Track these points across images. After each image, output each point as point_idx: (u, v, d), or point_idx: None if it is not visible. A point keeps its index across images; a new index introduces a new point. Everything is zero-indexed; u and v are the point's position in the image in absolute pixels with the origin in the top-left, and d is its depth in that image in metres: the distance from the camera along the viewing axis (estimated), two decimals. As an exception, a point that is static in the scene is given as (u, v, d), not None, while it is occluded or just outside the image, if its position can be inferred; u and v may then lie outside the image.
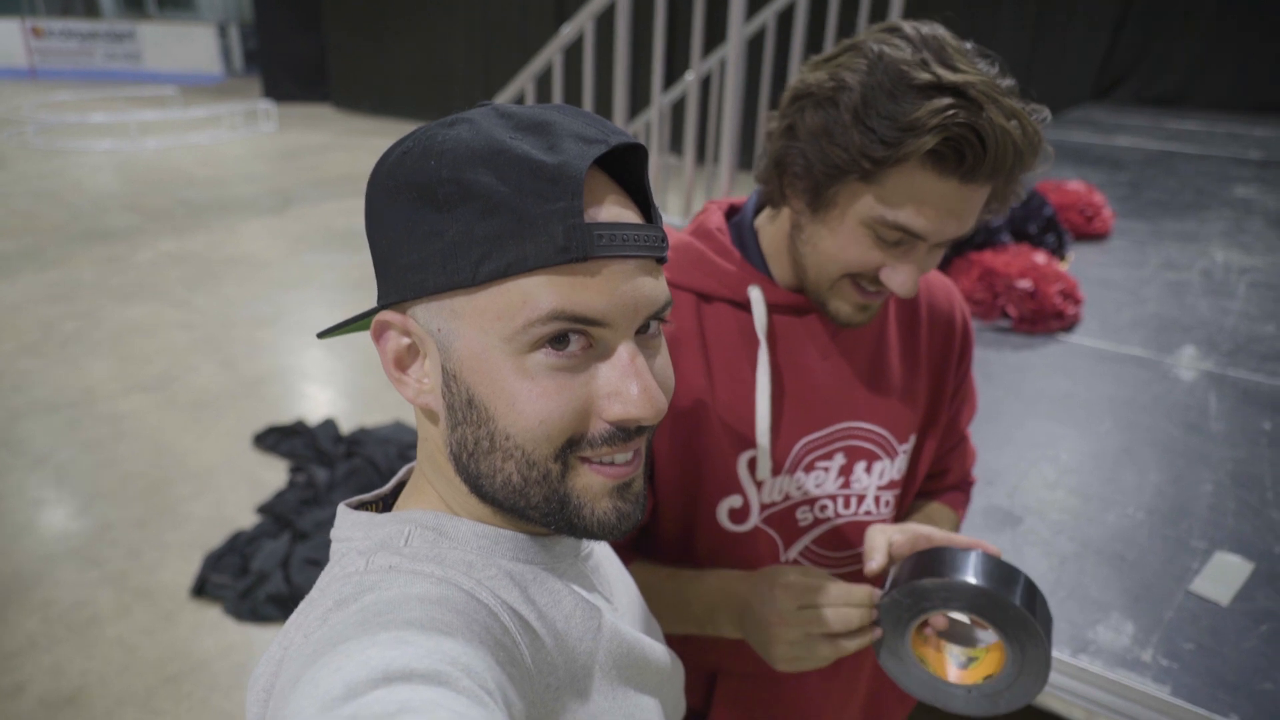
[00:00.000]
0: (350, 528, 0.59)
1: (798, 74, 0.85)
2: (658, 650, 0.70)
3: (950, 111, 0.72)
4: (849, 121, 0.77)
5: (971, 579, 0.74)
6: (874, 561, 0.82)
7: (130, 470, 3.26)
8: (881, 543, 0.83)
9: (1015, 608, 0.73)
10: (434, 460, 0.60)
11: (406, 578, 0.53)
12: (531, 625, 0.56)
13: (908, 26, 0.79)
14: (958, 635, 0.82)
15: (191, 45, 14.44)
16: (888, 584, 0.81)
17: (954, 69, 0.74)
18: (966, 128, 0.73)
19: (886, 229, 0.80)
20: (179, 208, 6.93)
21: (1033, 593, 0.75)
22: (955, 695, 0.80)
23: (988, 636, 0.80)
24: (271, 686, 0.49)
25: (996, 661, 0.78)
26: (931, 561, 0.78)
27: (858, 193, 0.80)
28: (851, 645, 0.79)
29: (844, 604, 0.79)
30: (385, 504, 0.65)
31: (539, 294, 0.50)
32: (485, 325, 0.51)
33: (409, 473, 0.66)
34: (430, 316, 0.54)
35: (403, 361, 0.57)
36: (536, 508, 0.55)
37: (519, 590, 0.57)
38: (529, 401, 0.52)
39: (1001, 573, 0.75)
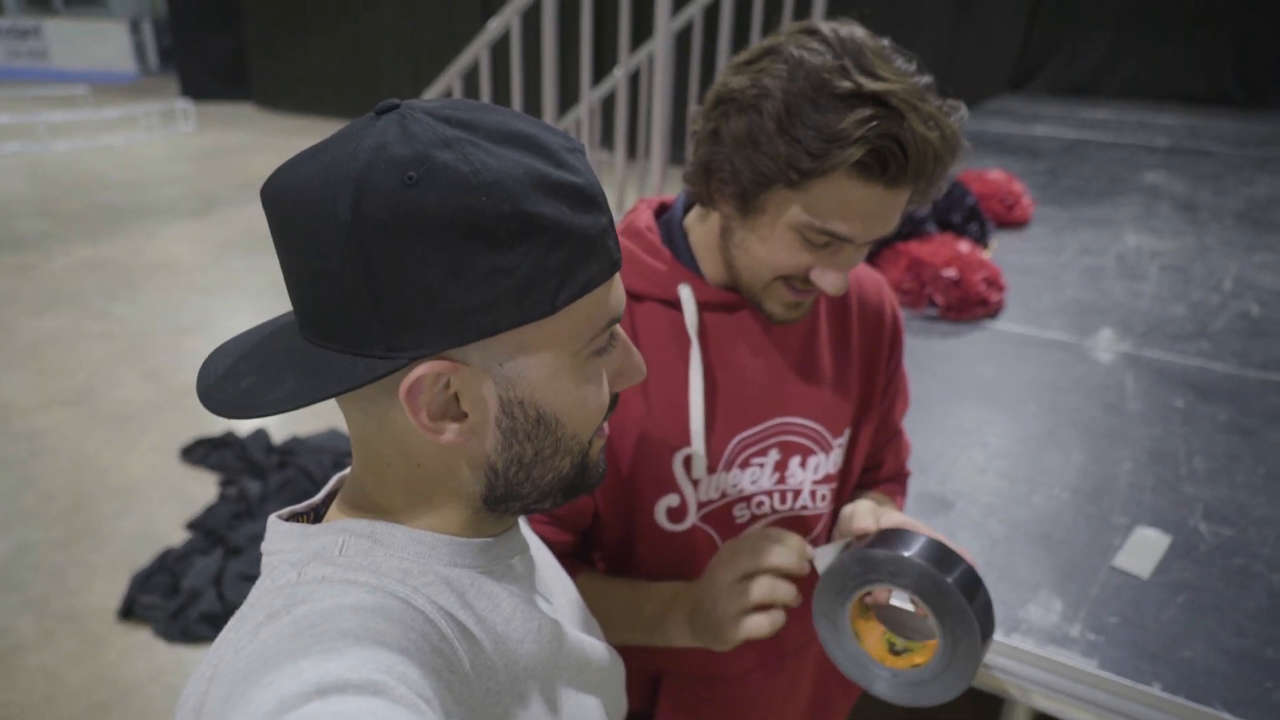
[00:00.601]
0: (282, 539, 0.58)
1: (720, 76, 0.85)
2: (598, 649, 0.71)
3: (874, 123, 0.74)
4: (773, 130, 0.78)
5: (920, 559, 0.76)
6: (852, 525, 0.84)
7: (50, 489, 3.13)
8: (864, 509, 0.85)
9: (955, 596, 0.75)
10: (390, 475, 0.57)
11: (340, 587, 0.52)
12: (470, 630, 0.56)
13: (825, 28, 0.80)
14: (898, 624, 0.84)
15: (102, 42, 13.87)
16: (837, 548, 0.83)
17: (874, 75, 0.76)
18: (890, 139, 0.74)
19: (815, 234, 0.82)
20: (94, 213, 6.66)
21: (975, 587, 0.77)
22: (880, 677, 0.82)
23: (926, 631, 0.82)
24: (201, 706, 0.48)
25: (927, 653, 0.80)
26: (886, 536, 0.80)
27: (785, 200, 0.81)
28: (790, 596, 0.82)
29: (780, 560, 0.82)
30: (317, 514, 0.64)
31: (600, 307, 0.55)
32: (558, 347, 0.54)
33: (340, 482, 0.64)
34: (490, 355, 0.52)
35: (445, 411, 0.53)
36: (558, 493, 0.60)
37: (456, 595, 0.57)
38: (594, 400, 0.58)
39: (950, 560, 0.77)
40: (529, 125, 0.52)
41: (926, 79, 0.80)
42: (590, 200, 0.52)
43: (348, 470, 0.63)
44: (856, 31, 0.80)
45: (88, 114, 9.94)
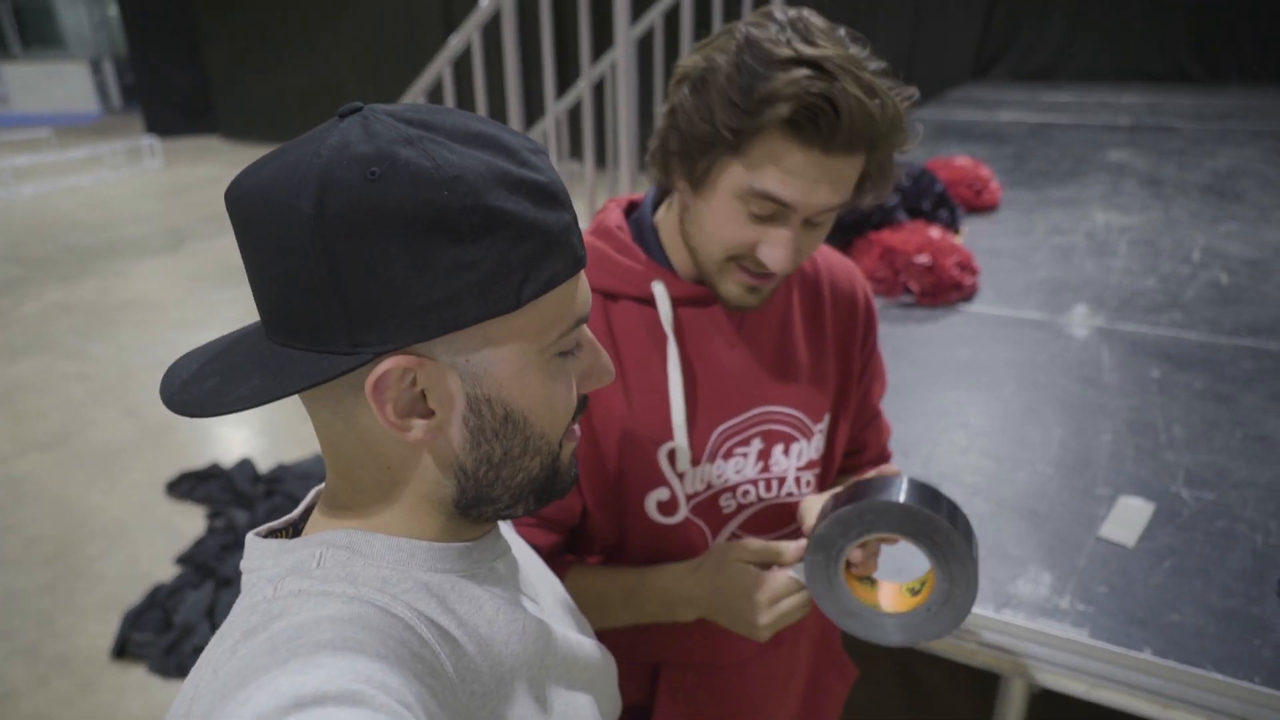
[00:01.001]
0: (260, 556, 0.57)
1: (681, 59, 0.88)
2: (587, 646, 0.71)
3: (804, 82, 0.76)
4: (714, 98, 0.80)
5: (888, 497, 0.78)
6: (807, 524, 0.87)
7: (34, 534, 3.09)
8: (815, 506, 0.88)
9: (934, 519, 0.77)
10: (362, 479, 0.57)
11: (316, 600, 0.51)
12: (451, 634, 0.56)
13: (778, 11, 0.82)
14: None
15: (63, 83, 13.79)
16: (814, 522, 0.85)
17: (814, 44, 0.78)
18: (819, 97, 0.76)
19: (755, 199, 0.83)
20: (64, 254, 6.60)
21: (954, 510, 0.80)
22: (887, 625, 0.84)
23: (921, 567, 0.84)
24: None
25: (928, 588, 0.82)
26: (852, 492, 0.82)
27: (727, 166, 0.83)
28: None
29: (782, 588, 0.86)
30: (296, 530, 0.64)
31: (568, 304, 0.55)
32: (524, 342, 0.54)
33: (317, 496, 0.64)
34: (455, 350, 0.52)
35: (412, 408, 0.53)
36: (530, 496, 0.60)
37: (437, 600, 0.56)
38: (560, 400, 0.58)
39: (921, 493, 0.79)
40: (491, 127, 0.53)
41: (879, 64, 0.81)
42: (553, 197, 0.52)
43: (322, 486, 0.63)
44: (810, 15, 0.82)
45: (52, 156, 9.86)
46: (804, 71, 0.76)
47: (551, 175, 0.53)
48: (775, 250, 0.85)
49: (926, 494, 0.80)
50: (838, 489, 0.87)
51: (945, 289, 2.34)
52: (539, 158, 0.53)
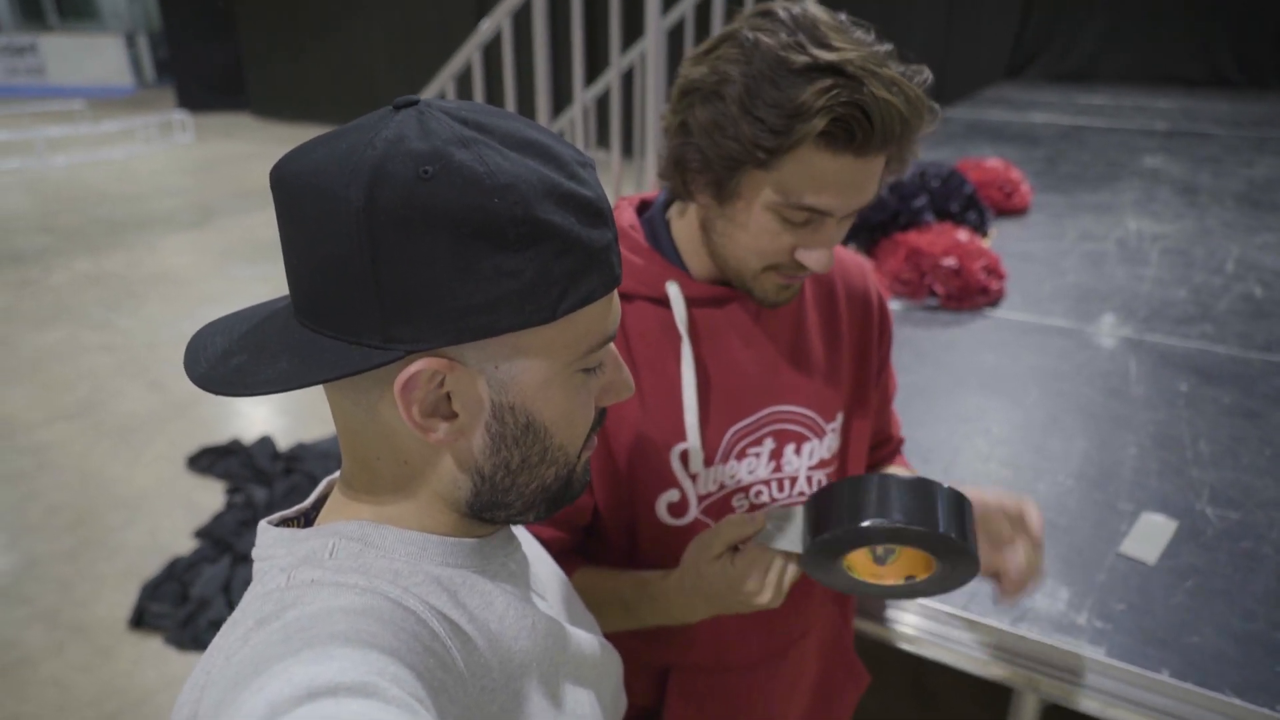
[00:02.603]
0: (272, 545, 0.58)
1: (681, 69, 0.86)
2: (594, 644, 0.71)
3: (833, 91, 0.74)
4: (737, 113, 0.78)
5: (930, 528, 0.75)
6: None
7: (56, 502, 3.14)
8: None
9: (964, 548, 0.76)
10: (379, 471, 0.57)
11: (330, 590, 0.52)
12: (462, 629, 0.56)
13: (779, 9, 0.80)
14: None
15: (98, 57, 13.89)
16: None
17: (829, 47, 0.76)
18: (851, 105, 0.74)
19: (792, 211, 0.82)
20: (94, 226, 6.68)
21: (959, 515, 0.77)
22: (889, 590, 0.84)
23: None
24: (195, 714, 0.48)
25: (920, 560, 0.82)
26: (883, 501, 0.78)
27: (758, 181, 0.81)
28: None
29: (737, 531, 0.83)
30: (308, 519, 0.64)
31: (599, 321, 0.55)
32: (553, 355, 0.54)
33: (330, 486, 0.65)
34: (486, 356, 0.52)
35: (435, 409, 0.53)
36: (542, 504, 0.60)
37: (448, 595, 0.57)
38: (580, 414, 0.58)
39: (960, 522, 0.77)
40: (543, 135, 0.53)
41: (886, 46, 0.80)
42: (598, 214, 0.53)
43: (336, 475, 0.63)
44: (811, 8, 0.80)
45: (85, 128, 9.96)
46: (828, 80, 0.74)
47: (598, 191, 0.54)
48: (816, 254, 0.84)
49: (961, 521, 0.77)
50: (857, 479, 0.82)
51: (971, 293, 2.31)
52: (587, 171, 0.54)
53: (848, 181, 0.80)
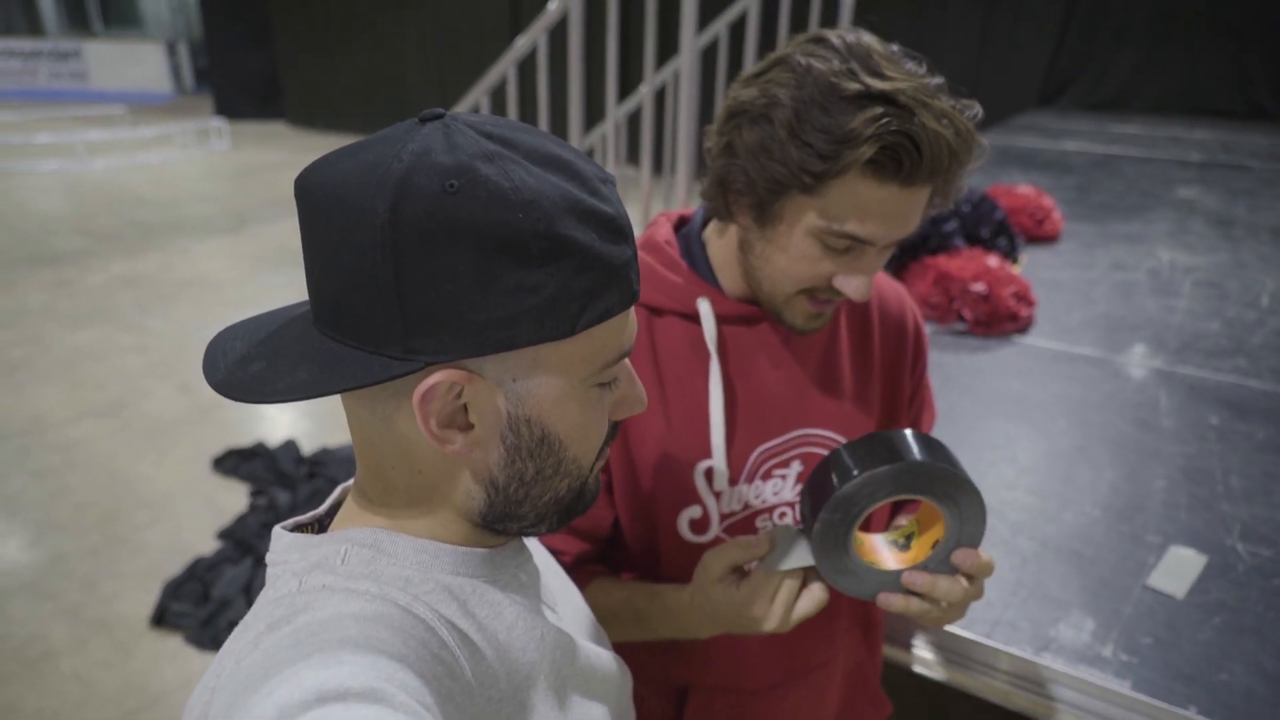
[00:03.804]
0: (286, 550, 0.58)
1: (730, 90, 0.86)
2: (604, 657, 0.71)
3: (884, 120, 0.74)
4: (785, 137, 0.78)
5: (880, 468, 0.76)
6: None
7: (84, 499, 3.18)
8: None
9: (918, 464, 0.75)
10: (393, 480, 0.58)
11: (341, 596, 0.52)
12: (471, 639, 0.56)
13: (833, 36, 0.80)
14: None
15: (139, 63, 14.19)
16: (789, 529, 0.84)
17: (881, 76, 0.76)
18: (901, 135, 0.74)
19: (834, 238, 0.81)
20: (130, 229, 6.80)
21: (928, 444, 0.78)
22: (888, 580, 0.83)
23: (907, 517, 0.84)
24: (205, 716, 0.48)
25: (932, 523, 0.81)
26: (863, 454, 0.79)
27: (802, 206, 0.81)
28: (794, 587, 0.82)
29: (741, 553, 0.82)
30: (322, 525, 0.65)
31: (616, 337, 0.56)
32: (570, 370, 0.54)
33: (344, 493, 0.65)
34: (504, 370, 0.53)
35: (452, 420, 0.53)
36: (554, 515, 0.61)
37: (458, 604, 0.57)
38: (595, 428, 0.59)
39: (939, 449, 0.78)
40: (566, 151, 0.53)
41: (938, 79, 0.79)
42: (619, 231, 0.53)
43: (350, 482, 0.64)
44: (864, 37, 0.80)
45: (125, 133, 10.16)
46: (879, 109, 0.74)
47: (619, 208, 0.54)
48: (854, 282, 0.84)
49: (931, 447, 0.78)
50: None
51: (1000, 319, 2.29)
52: (608, 188, 0.54)
53: (892, 211, 0.79)
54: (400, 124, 0.53)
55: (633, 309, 0.58)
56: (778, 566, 0.81)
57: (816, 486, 0.80)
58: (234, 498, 3.22)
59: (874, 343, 1.01)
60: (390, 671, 0.46)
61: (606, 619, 0.91)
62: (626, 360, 0.60)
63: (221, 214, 7.42)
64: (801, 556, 0.81)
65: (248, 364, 0.54)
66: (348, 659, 0.46)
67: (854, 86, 0.75)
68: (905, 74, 0.77)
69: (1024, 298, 2.35)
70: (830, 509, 0.77)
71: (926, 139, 0.74)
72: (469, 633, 0.56)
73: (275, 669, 0.45)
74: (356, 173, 0.49)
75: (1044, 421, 1.84)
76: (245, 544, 2.89)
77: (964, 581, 0.81)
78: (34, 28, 16.40)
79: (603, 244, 0.52)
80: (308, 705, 0.42)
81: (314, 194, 0.51)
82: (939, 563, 0.81)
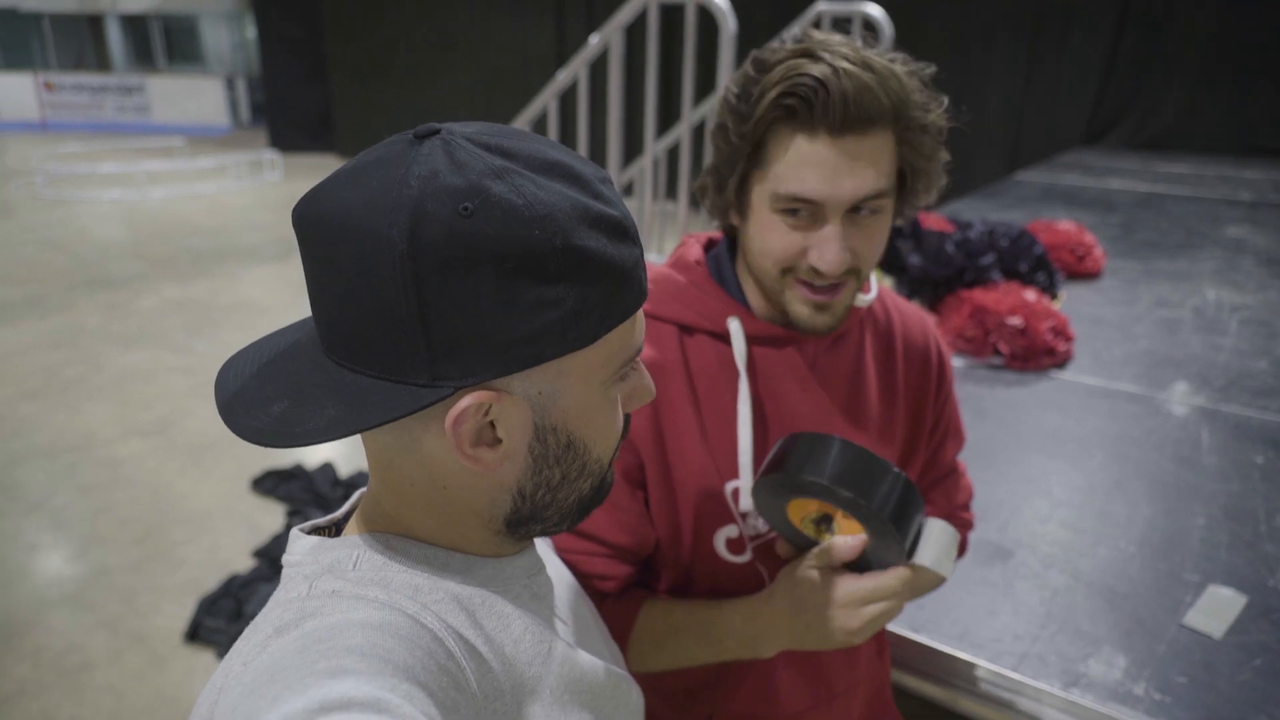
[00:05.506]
0: (300, 551, 0.58)
1: None
2: (612, 673, 0.70)
3: (793, 64, 0.78)
4: (724, 113, 0.85)
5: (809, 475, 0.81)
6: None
7: (127, 515, 3.26)
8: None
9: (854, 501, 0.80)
10: (411, 495, 0.57)
11: (349, 603, 0.52)
12: (478, 650, 0.56)
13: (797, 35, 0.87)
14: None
15: (199, 98, 14.72)
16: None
17: (802, 41, 0.81)
18: (808, 76, 0.77)
19: (785, 203, 0.83)
20: (183, 255, 7.01)
21: (901, 492, 0.81)
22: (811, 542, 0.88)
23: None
24: (211, 716, 0.48)
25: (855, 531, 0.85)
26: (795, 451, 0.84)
27: (755, 180, 0.85)
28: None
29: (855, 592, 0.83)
30: (338, 528, 0.65)
31: (631, 337, 0.57)
32: (590, 375, 0.55)
33: (361, 497, 0.65)
34: (530, 384, 0.52)
35: (479, 437, 0.53)
36: (576, 513, 0.61)
37: (466, 614, 0.57)
38: (614, 426, 0.60)
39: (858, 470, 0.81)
40: (562, 154, 0.53)
41: (898, 55, 0.83)
42: (625, 232, 0.53)
43: (365, 488, 0.64)
44: (832, 36, 0.83)
45: (183, 164, 10.51)
46: (791, 61, 0.79)
47: (622, 208, 0.54)
48: (820, 251, 0.83)
49: (901, 506, 0.81)
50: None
51: (1037, 353, 2.26)
52: (607, 187, 0.54)
53: (826, 163, 0.80)
54: (394, 141, 0.52)
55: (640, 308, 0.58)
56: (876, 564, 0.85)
57: (801, 453, 0.84)
58: (271, 517, 3.27)
59: (898, 371, 1.01)
60: (394, 682, 0.46)
61: (665, 638, 0.91)
62: (639, 362, 0.62)
63: (270, 242, 7.61)
64: (898, 554, 0.83)
65: (268, 404, 0.52)
66: (353, 667, 0.45)
67: (780, 55, 0.80)
68: (841, 43, 0.80)
69: (1062, 332, 2.32)
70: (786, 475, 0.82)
71: (833, 77, 0.76)
72: (476, 644, 0.56)
73: (280, 675, 0.45)
74: (363, 201, 0.48)
75: (1080, 456, 1.81)
76: (279, 563, 2.92)
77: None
78: (102, 63, 17.11)
79: (613, 248, 0.52)
80: (311, 714, 0.41)
81: (320, 225, 0.50)
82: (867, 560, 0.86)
